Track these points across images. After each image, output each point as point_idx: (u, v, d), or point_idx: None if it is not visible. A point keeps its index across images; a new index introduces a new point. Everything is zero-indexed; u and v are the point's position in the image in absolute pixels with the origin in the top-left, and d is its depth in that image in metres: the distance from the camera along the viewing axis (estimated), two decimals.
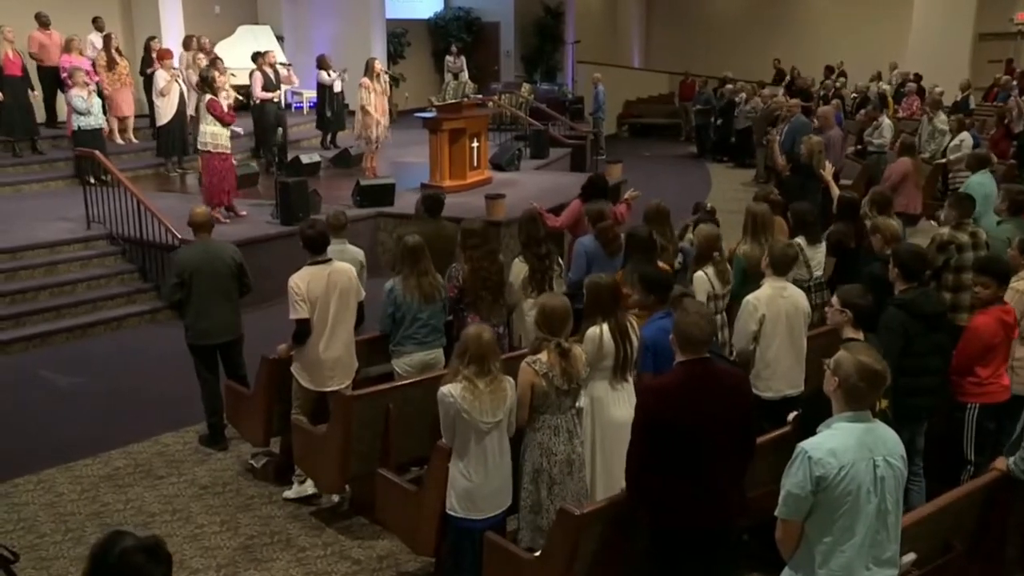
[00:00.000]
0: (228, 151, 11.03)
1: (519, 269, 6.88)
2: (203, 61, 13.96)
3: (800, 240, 7.08)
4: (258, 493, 6.48)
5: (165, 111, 13.53)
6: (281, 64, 14.81)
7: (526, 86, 20.87)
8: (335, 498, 6.28)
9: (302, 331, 6.06)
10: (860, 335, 4.79)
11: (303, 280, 6.02)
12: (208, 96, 10.96)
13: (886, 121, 13.74)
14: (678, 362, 4.12)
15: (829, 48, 24.71)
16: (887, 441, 3.50)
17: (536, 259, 6.87)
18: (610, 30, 28.50)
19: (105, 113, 13.52)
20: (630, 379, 5.13)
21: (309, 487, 6.27)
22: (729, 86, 20.44)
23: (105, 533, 2.55)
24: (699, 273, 6.49)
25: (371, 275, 11.64)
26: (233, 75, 14.40)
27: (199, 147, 11.14)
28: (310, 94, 18.41)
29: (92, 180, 12.67)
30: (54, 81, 14.52)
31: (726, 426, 4.03)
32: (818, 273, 7.15)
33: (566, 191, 12.46)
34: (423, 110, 21.32)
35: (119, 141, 14.53)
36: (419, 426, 5.90)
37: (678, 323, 4.12)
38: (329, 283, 6.06)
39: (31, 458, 6.94)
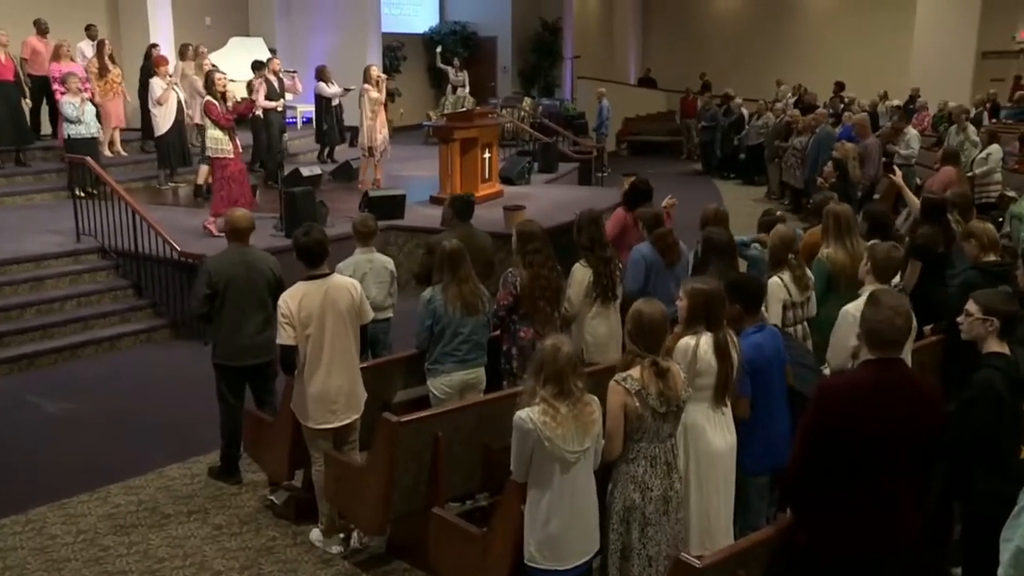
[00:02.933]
0: (230, 156, 10.27)
1: (581, 275, 6.20)
2: (205, 66, 13.19)
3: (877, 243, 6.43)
4: (280, 533, 5.70)
5: (163, 121, 12.79)
6: (287, 72, 14.06)
7: (528, 100, 20.25)
8: (365, 539, 5.50)
9: (286, 359, 5.30)
10: (1005, 348, 4.11)
11: (294, 298, 5.20)
12: (207, 98, 10.26)
13: (912, 132, 13.19)
14: (865, 361, 3.56)
15: (830, 67, 24.25)
16: None
17: (601, 263, 6.19)
18: (607, 47, 28.03)
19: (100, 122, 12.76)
20: (729, 404, 4.42)
21: (334, 544, 5.47)
22: (738, 100, 19.89)
23: None
24: (774, 279, 5.81)
25: None
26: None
27: (208, 153, 10.43)
28: (304, 108, 17.72)
29: (81, 192, 12.00)
30: (43, 90, 13.77)
31: (913, 441, 3.46)
32: (895, 280, 6.49)
33: (584, 205, 11.79)
34: (419, 126, 20.92)
35: (107, 153, 13.72)
36: (469, 457, 5.19)
37: (867, 318, 3.56)
38: (325, 301, 5.24)
39: (18, 494, 6.13)
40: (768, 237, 6.15)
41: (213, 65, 14.01)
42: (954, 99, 18.38)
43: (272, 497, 5.95)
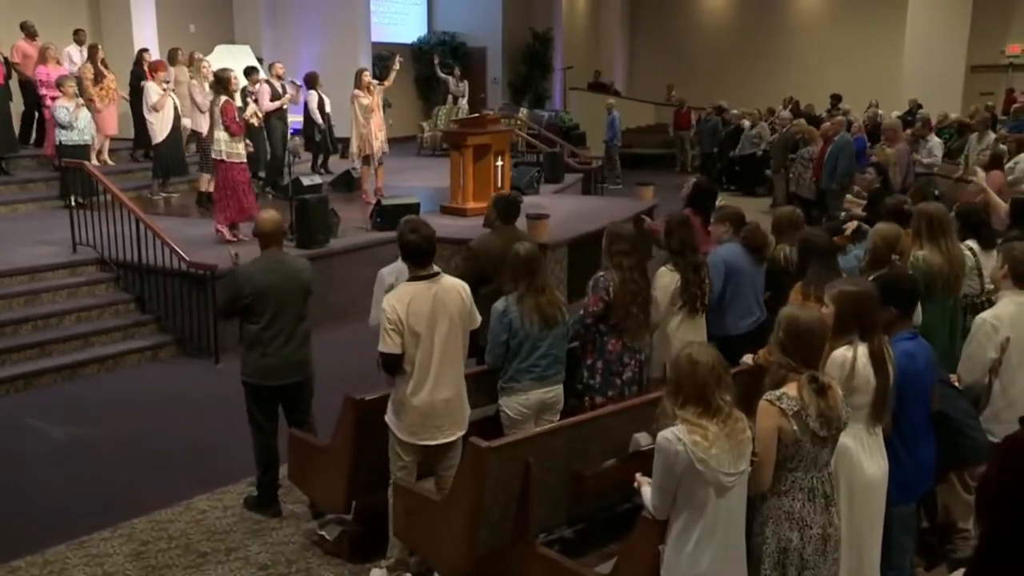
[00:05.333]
0: (243, 161, 9.64)
1: (667, 280, 5.65)
2: (204, 70, 12.49)
3: (972, 244, 5.96)
4: (335, 573, 5.07)
5: (160, 128, 12.11)
6: (291, 82, 13.43)
7: (524, 111, 19.75)
8: None
9: (390, 365, 4.70)
10: None
11: (401, 302, 4.59)
12: (224, 98, 9.62)
13: (935, 140, 12.78)
14: None
15: (818, 80, 24.09)
16: None
17: (691, 269, 5.65)
18: (594, 58, 27.64)
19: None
20: (881, 424, 3.88)
21: None
22: (735, 111, 19.53)
23: None
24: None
25: None
26: None
27: (213, 156, 9.76)
28: (293, 118, 17.07)
29: (73, 202, 11.28)
30: (35, 96, 13.06)
31: None
32: (990, 286, 6.01)
33: (602, 214, 11.35)
34: (412, 138, 20.33)
35: (94, 162, 12.96)
36: (558, 486, 4.60)
37: None
38: (436, 304, 4.65)
39: (32, 531, 5.44)
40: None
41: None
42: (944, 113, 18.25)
43: (322, 531, 5.30)
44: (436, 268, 4.79)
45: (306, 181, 11.66)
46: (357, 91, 12.24)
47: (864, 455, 3.79)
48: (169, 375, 8.29)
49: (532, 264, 5.05)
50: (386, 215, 10.61)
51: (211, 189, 10.70)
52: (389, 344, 4.59)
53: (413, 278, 4.71)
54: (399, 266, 5.58)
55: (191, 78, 13.04)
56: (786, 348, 3.56)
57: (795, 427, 3.44)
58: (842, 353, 3.79)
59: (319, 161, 15.26)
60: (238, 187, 9.59)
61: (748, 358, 5.41)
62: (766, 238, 6.19)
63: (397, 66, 13.33)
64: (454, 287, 4.76)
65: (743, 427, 3.42)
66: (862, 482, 3.78)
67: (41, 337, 8.12)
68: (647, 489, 3.61)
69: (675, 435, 3.33)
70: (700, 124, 20.86)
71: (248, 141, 11.60)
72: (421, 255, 4.69)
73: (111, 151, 13.48)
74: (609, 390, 5.35)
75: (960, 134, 15.59)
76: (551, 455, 4.50)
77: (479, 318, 4.89)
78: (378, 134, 12.35)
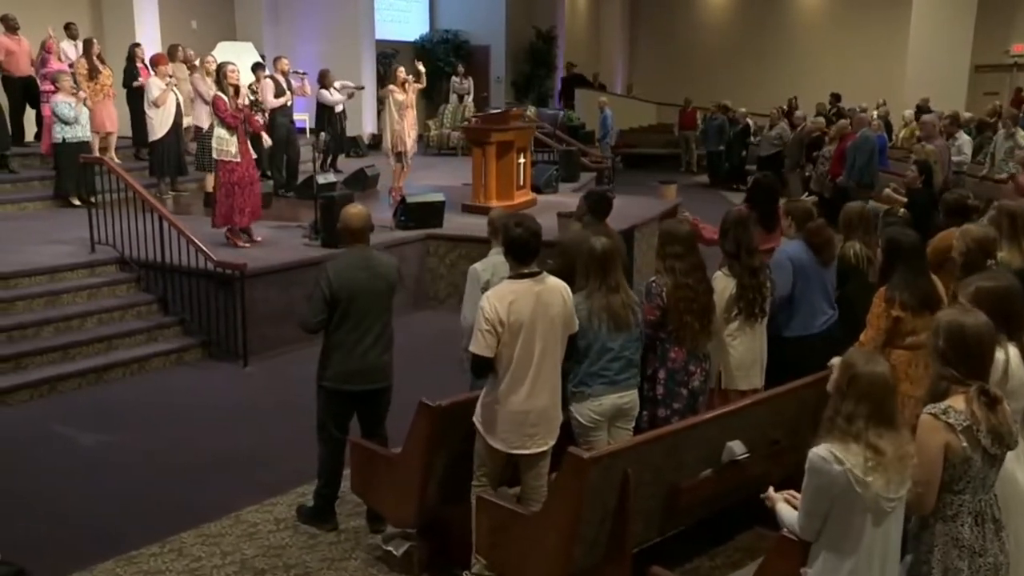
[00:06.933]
0: (236, 160, 9.18)
1: (723, 285, 5.32)
2: (208, 65, 12.15)
3: None
4: None
5: (159, 124, 11.75)
6: (296, 73, 13.07)
7: (532, 109, 19.46)
8: None
9: (480, 368, 4.40)
10: None
11: (502, 301, 4.27)
12: (214, 92, 9.21)
13: (964, 136, 12.59)
14: None
15: (821, 80, 23.88)
16: None
17: (748, 273, 5.33)
18: (595, 57, 27.40)
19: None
20: None
21: None
22: (743, 110, 19.32)
23: None
24: None
25: (421, 306, 10.25)
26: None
27: (213, 155, 9.36)
28: (298, 116, 16.73)
29: (78, 200, 11.01)
30: (23, 93, 12.66)
31: None
32: None
33: (628, 213, 11.05)
34: (419, 137, 19.98)
35: None
36: (652, 499, 4.32)
37: None
38: (537, 306, 4.33)
39: (76, 546, 5.12)
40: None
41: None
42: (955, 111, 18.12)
43: (388, 547, 4.99)
44: (537, 268, 4.49)
45: (321, 179, 11.38)
46: (392, 87, 11.91)
47: (1019, 471, 3.50)
48: (196, 379, 7.96)
49: (607, 261, 4.73)
50: (411, 213, 10.31)
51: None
52: (482, 345, 4.29)
53: (516, 276, 4.42)
54: (493, 261, 5.29)
55: (193, 72, 12.73)
56: (948, 358, 3.24)
57: (965, 444, 3.14)
58: (996, 355, 3.49)
59: (328, 160, 14.95)
60: (237, 186, 9.14)
61: (836, 360, 5.13)
62: (831, 238, 5.89)
63: (422, 68, 13.00)
64: (557, 288, 4.46)
65: (911, 449, 3.12)
66: (1019, 500, 3.48)
67: (64, 340, 7.77)
68: (784, 507, 3.33)
69: (832, 453, 3.03)
70: (706, 123, 20.57)
71: (266, 135, 11.34)
72: (526, 251, 4.39)
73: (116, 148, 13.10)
74: (675, 401, 5.05)
75: (979, 132, 15.40)
76: (648, 466, 4.22)
77: (577, 322, 4.59)
78: (410, 132, 12.02)
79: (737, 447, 4.59)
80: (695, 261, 5.11)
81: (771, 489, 3.51)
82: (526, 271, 4.38)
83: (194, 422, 7.02)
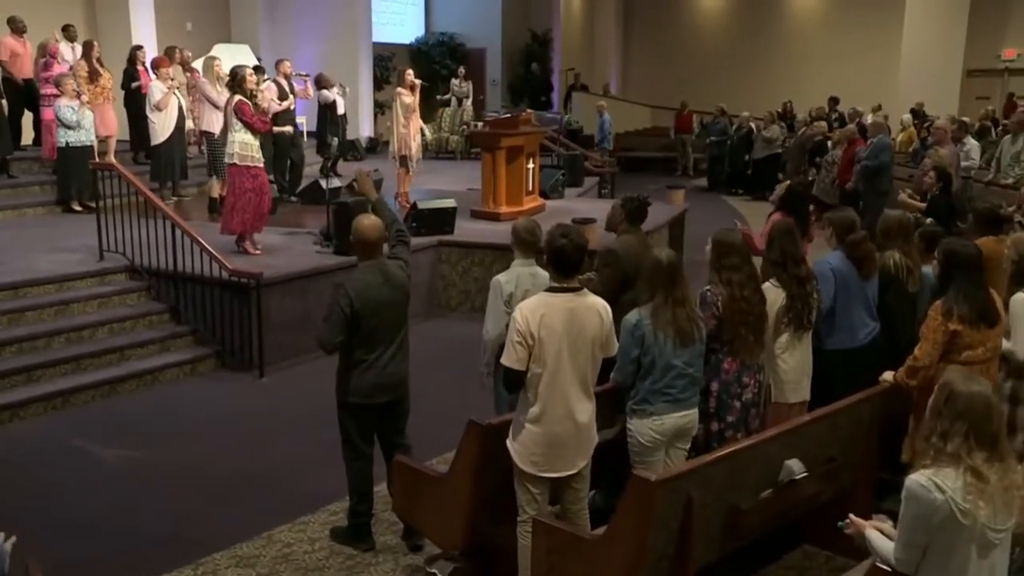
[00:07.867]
0: (260, 165, 9.07)
1: (772, 296, 5.18)
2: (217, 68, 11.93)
3: None
4: None
5: (161, 128, 11.52)
6: (299, 75, 12.88)
7: (531, 113, 19.29)
8: None
9: (512, 382, 4.27)
10: None
11: (534, 313, 4.14)
12: (237, 97, 9.03)
13: (972, 142, 12.53)
14: None
15: (814, 84, 23.91)
16: None
17: (796, 283, 5.22)
18: (589, 60, 27.32)
19: None
20: None
21: None
22: (745, 113, 19.27)
23: None
24: (1021, 296, 4.95)
25: (432, 315, 10.10)
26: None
27: (226, 159, 9.18)
28: (299, 119, 16.53)
29: (79, 207, 10.81)
30: (24, 97, 12.41)
31: None
32: None
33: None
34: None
35: None
36: (711, 522, 4.19)
37: None
38: (571, 323, 4.19)
39: (106, 568, 4.96)
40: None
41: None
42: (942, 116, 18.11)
43: (432, 569, 4.85)
44: (576, 283, 4.34)
45: (325, 185, 11.23)
46: (401, 89, 11.72)
47: None
48: (212, 391, 7.78)
49: (675, 273, 4.60)
50: (422, 220, 10.15)
51: (224, 193, 10.10)
52: (513, 358, 4.16)
53: (552, 288, 4.28)
54: (517, 272, 5.15)
55: (195, 75, 12.53)
56: None
57: None
58: None
59: (329, 164, 14.75)
60: (254, 192, 8.96)
61: (888, 375, 5.05)
62: (872, 253, 5.77)
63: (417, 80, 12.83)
64: (594, 307, 4.31)
65: (1018, 479, 3.00)
66: None
67: (75, 351, 7.58)
68: (876, 536, 3.21)
69: (933, 481, 2.91)
70: (708, 127, 20.49)
71: (287, 129, 11.18)
72: (568, 264, 4.24)
73: (116, 152, 12.88)
74: (728, 415, 4.94)
75: (980, 137, 15.38)
76: (711, 487, 4.09)
77: (616, 345, 4.45)
78: (416, 136, 11.85)
79: (796, 466, 4.47)
80: (751, 271, 5.01)
81: (852, 516, 3.38)
82: (565, 285, 4.25)
83: (214, 436, 6.84)
